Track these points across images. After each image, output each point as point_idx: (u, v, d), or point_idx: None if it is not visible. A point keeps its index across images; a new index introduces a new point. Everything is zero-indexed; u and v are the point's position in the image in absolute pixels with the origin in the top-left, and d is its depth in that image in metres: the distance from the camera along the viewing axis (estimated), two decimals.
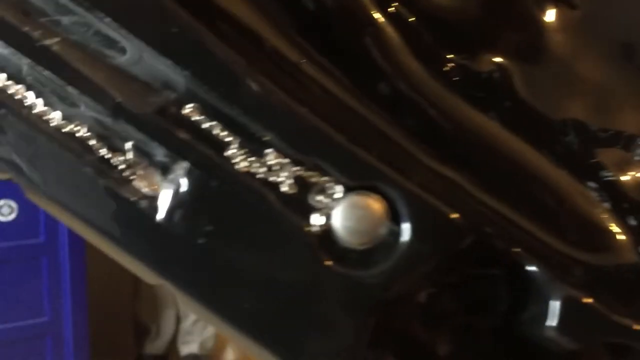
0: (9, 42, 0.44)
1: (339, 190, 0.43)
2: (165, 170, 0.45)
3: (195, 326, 2.61)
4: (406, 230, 0.42)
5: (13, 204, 2.01)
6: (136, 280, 2.55)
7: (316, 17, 0.47)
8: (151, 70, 0.44)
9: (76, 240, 2.11)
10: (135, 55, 0.44)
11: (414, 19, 0.49)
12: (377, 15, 0.48)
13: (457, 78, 0.48)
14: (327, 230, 0.43)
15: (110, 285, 2.51)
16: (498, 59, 0.49)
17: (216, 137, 0.44)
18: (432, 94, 0.47)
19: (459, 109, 0.47)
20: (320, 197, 0.43)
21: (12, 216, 2.01)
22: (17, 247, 2.04)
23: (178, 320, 2.63)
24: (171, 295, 2.54)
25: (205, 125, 0.44)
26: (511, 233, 0.44)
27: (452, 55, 0.49)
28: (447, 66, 0.49)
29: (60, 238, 2.09)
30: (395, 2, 0.49)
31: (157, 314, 2.61)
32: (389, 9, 0.49)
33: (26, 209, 2.03)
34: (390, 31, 0.48)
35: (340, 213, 0.43)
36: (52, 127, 0.45)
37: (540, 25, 0.50)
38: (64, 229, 2.08)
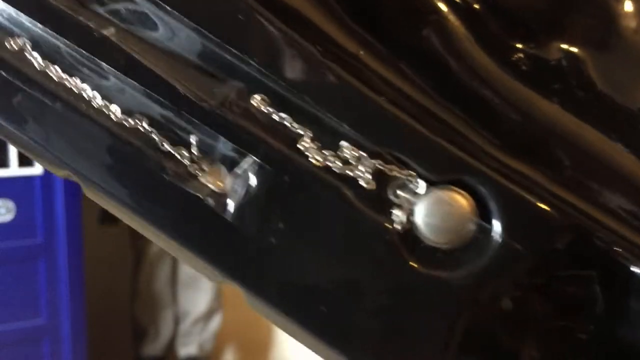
0: (65, 33, 0.42)
1: (421, 185, 0.40)
2: (232, 165, 0.41)
3: (193, 327, 2.59)
4: (497, 227, 0.39)
5: (11, 204, 1.98)
6: (134, 282, 2.53)
7: (374, 6, 0.44)
8: (215, 60, 0.41)
9: (74, 241, 2.08)
10: (197, 45, 0.41)
11: (478, 6, 0.46)
12: (439, 3, 0.45)
13: (527, 68, 0.45)
14: (409, 228, 0.40)
15: (108, 287, 2.50)
16: (570, 47, 0.46)
17: (287, 129, 0.41)
18: (501, 85, 0.44)
19: (530, 101, 0.44)
20: (400, 192, 0.40)
21: (10, 216, 1.98)
22: (15, 248, 2.01)
23: (176, 322, 2.60)
24: (169, 297, 2.52)
25: (275, 117, 0.41)
26: (610, 231, 0.40)
27: (520, 44, 0.46)
28: (515, 55, 0.45)
29: (58, 239, 2.06)
30: None
31: (155, 316, 2.59)
32: None
33: (24, 210, 2.00)
34: (455, 20, 0.45)
35: (423, 209, 0.40)
36: (112, 121, 0.42)
37: (614, 10, 0.47)
38: (62, 229, 2.06)
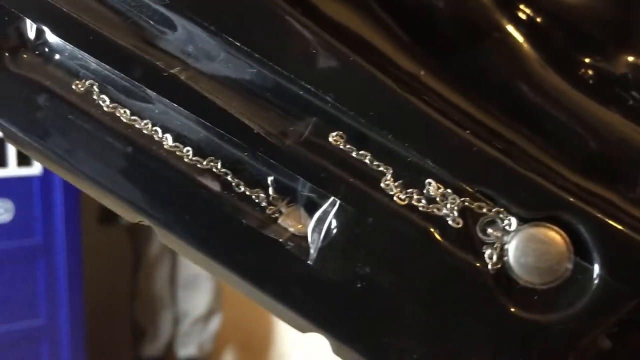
0: (133, 74, 0.39)
1: (512, 222, 0.38)
2: (311, 205, 0.39)
3: (193, 328, 2.57)
4: (598, 265, 0.37)
5: (9, 204, 1.96)
6: (133, 282, 2.52)
7: (434, 27, 0.42)
8: (288, 96, 0.39)
9: (73, 242, 2.07)
10: (270, 82, 0.40)
11: (541, 19, 0.43)
12: (501, 20, 0.42)
13: (594, 82, 0.43)
14: (502, 268, 0.38)
15: (107, 287, 2.49)
16: (638, 59, 0.44)
17: (367, 167, 0.39)
18: (572, 103, 0.42)
19: (604, 119, 0.42)
20: (490, 230, 0.38)
21: (9, 217, 1.96)
22: (14, 248, 2.00)
23: (176, 322, 2.59)
24: (168, 297, 2.51)
25: (354, 155, 0.39)
26: None
27: (586, 58, 0.44)
28: (582, 70, 0.43)
29: (57, 239, 2.05)
30: (521, 3, 0.43)
31: (154, 316, 2.58)
32: (514, 11, 0.43)
33: (23, 210, 1.98)
34: (519, 36, 0.42)
35: (516, 248, 0.38)
36: (185, 164, 0.39)
37: None
38: (61, 229, 2.04)
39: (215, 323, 2.56)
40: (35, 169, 1.91)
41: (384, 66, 0.40)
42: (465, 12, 0.43)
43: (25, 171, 1.92)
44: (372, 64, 0.39)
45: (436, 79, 0.40)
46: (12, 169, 1.91)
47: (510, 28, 0.42)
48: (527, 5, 0.44)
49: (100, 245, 2.39)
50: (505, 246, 0.39)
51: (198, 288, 2.50)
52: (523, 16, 0.43)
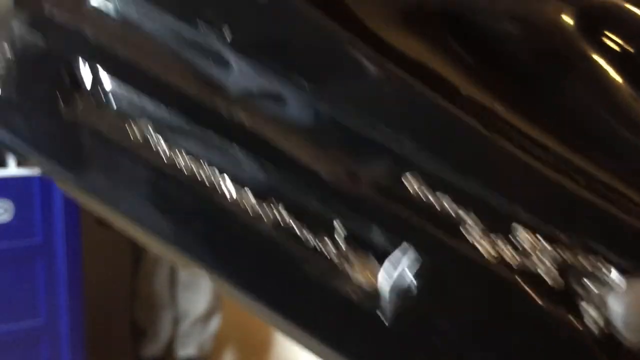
0: (195, 119, 0.36)
1: (615, 276, 0.33)
2: (384, 255, 0.35)
3: (193, 328, 2.56)
4: None
5: (9, 204, 1.94)
6: (133, 282, 2.51)
7: (512, 57, 0.37)
8: (361, 138, 0.36)
9: (73, 242, 2.06)
10: (339, 126, 0.36)
11: (631, 48, 0.38)
12: (586, 48, 0.37)
13: None
14: (604, 328, 0.33)
15: (107, 287, 2.48)
16: None
17: (446, 212, 0.34)
18: None
19: None
20: (588, 284, 0.33)
21: (8, 217, 1.94)
22: (13, 248, 1.98)
23: (176, 322, 2.57)
24: (168, 297, 2.49)
25: (431, 199, 0.34)
26: None
27: None
28: None
29: (56, 239, 2.04)
30: (608, 30, 0.38)
31: (154, 316, 2.56)
32: (600, 39, 0.38)
33: (22, 210, 1.96)
34: (606, 66, 0.37)
35: (622, 306, 0.33)
36: (249, 214, 0.35)
37: None
38: (61, 229, 2.03)
39: (215, 323, 2.56)
40: (35, 169, 1.87)
41: (461, 103, 0.36)
42: (546, 39, 0.39)
43: (25, 171, 1.90)
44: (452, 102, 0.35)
45: (515, 113, 0.36)
46: (12, 169, 1.90)
47: (596, 57, 0.37)
48: (614, 33, 0.39)
49: (100, 245, 2.37)
50: (608, 303, 0.34)
51: (198, 288, 2.49)
52: (611, 44, 0.38)
